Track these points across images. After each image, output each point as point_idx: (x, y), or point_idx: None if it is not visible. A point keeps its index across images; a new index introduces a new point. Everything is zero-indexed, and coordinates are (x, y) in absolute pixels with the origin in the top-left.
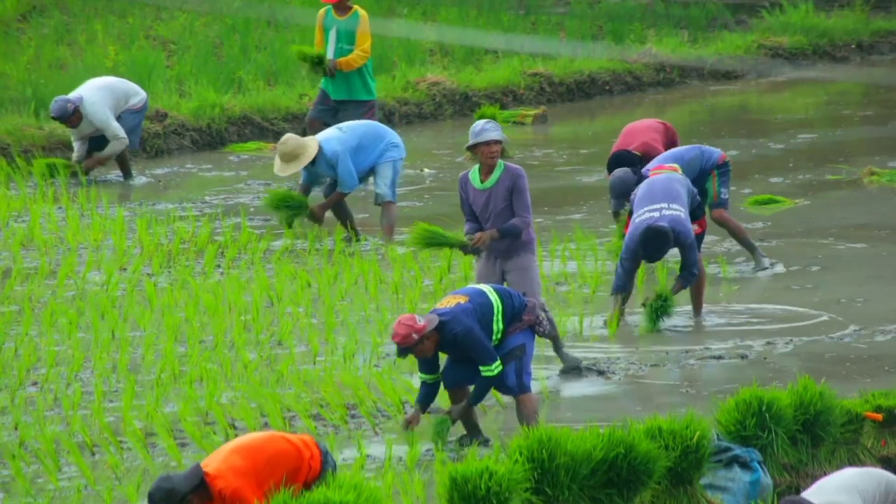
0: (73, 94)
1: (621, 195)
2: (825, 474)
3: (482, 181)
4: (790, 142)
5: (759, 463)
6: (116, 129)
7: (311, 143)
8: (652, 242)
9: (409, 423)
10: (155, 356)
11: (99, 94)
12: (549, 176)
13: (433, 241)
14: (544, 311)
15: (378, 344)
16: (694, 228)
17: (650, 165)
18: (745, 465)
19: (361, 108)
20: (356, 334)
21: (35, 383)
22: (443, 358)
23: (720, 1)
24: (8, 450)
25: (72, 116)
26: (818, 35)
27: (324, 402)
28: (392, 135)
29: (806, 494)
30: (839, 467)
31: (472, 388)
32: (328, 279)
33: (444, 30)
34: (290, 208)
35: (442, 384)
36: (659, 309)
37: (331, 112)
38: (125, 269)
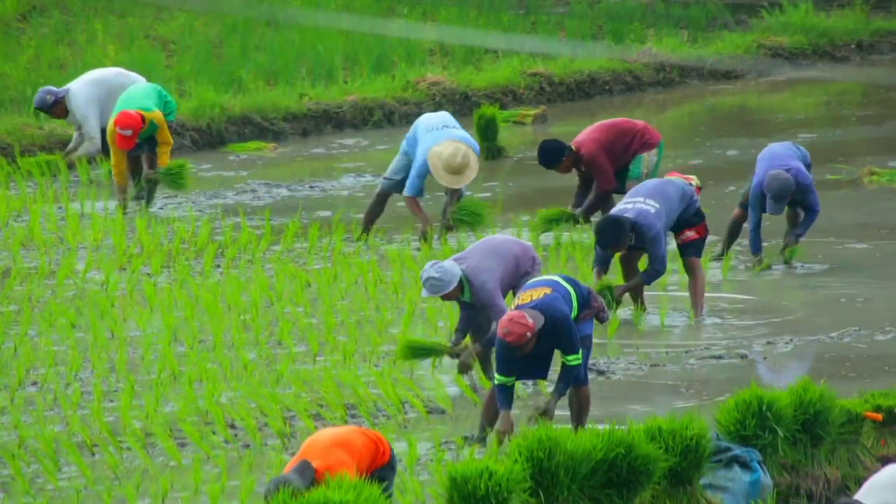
0: (66, 86)
1: (782, 198)
2: (825, 474)
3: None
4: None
5: (758, 463)
6: (92, 129)
7: (472, 154)
8: (606, 230)
9: (505, 433)
10: (154, 356)
11: (88, 87)
12: (549, 175)
13: (419, 352)
14: None
15: (378, 343)
16: (691, 234)
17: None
18: (744, 465)
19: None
20: (356, 334)
21: (34, 383)
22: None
23: (720, 1)
24: (8, 450)
25: (52, 107)
26: (818, 35)
27: (323, 401)
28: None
29: (858, 496)
30: (838, 467)
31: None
32: (327, 279)
33: (444, 30)
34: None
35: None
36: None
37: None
38: (125, 269)
